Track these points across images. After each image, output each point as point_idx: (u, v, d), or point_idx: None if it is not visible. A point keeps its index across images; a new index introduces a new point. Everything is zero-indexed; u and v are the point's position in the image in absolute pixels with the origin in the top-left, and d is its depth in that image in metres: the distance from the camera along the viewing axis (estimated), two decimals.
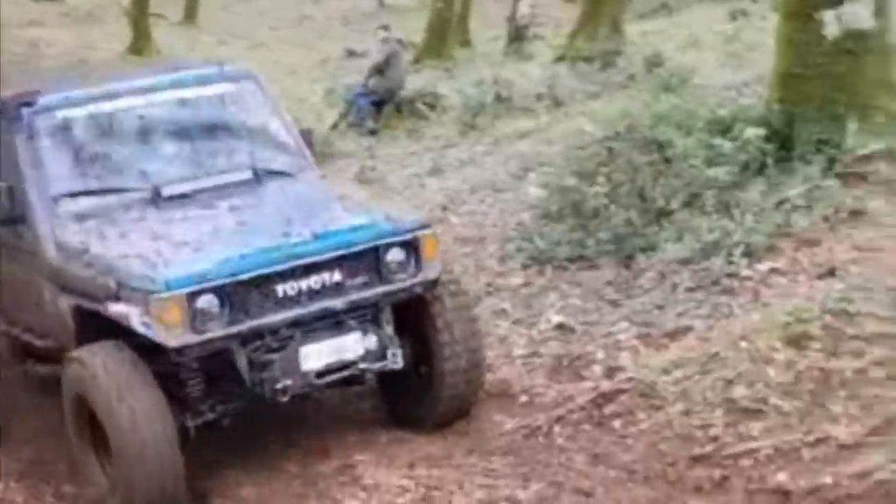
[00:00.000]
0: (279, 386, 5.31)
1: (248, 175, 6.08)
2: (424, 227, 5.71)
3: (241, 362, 5.34)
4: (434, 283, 5.70)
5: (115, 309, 5.29)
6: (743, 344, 5.58)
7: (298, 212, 5.73)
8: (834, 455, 4.79)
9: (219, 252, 5.32)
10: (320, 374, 5.43)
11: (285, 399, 5.34)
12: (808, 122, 7.01)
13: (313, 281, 5.41)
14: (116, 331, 5.34)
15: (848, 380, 5.14)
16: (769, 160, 7.03)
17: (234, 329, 5.25)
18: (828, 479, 4.67)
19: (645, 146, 7.51)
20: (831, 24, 6.95)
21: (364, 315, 5.59)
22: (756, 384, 5.30)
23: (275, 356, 5.35)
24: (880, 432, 4.78)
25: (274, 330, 5.36)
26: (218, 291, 5.19)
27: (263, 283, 5.29)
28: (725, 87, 9.48)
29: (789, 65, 7.23)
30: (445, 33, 18.98)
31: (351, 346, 5.50)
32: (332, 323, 5.50)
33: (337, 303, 5.46)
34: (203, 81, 6.36)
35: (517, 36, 17.76)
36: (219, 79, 6.40)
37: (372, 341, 5.54)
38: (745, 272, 6.37)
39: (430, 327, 5.76)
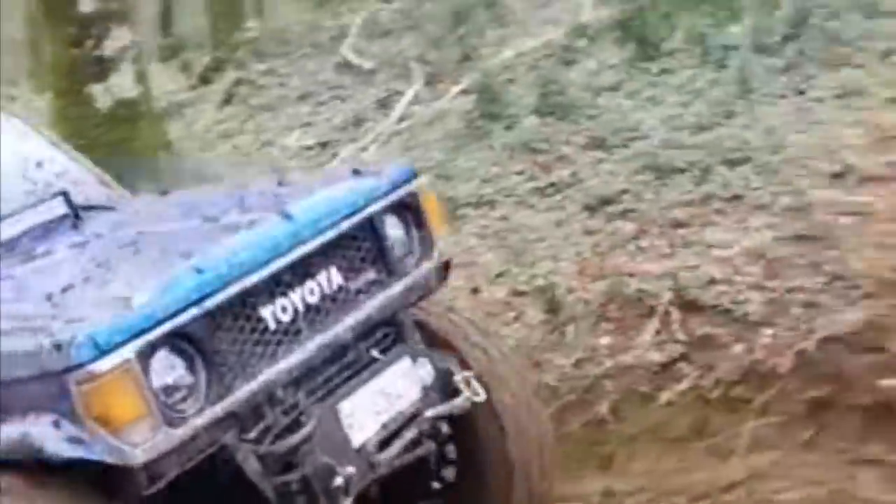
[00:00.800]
0: (338, 481, 3.11)
1: (62, 208, 3.91)
2: (415, 176, 3.70)
3: (250, 464, 3.10)
4: (448, 270, 3.72)
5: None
6: None
7: (212, 209, 3.55)
8: None
9: (145, 282, 3.05)
10: (383, 446, 3.32)
11: (348, 502, 3.16)
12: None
13: (308, 292, 3.28)
14: None
15: None
16: None
17: (225, 406, 3.02)
18: None
19: None
20: (102, 96, 7.36)
21: (386, 337, 3.55)
22: None
23: (304, 434, 3.14)
24: None
25: (273, 395, 3.18)
26: (177, 340, 2.98)
27: (242, 309, 3.14)
28: None
29: (68, 138, 7.52)
30: None
31: (401, 385, 3.41)
32: (354, 360, 3.43)
33: (352, 322, 3.36)
34: None
35: None
36: None
37: (426, 370, 3.48)
38: None
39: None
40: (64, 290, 3.14)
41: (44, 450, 2.85)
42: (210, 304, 3.03)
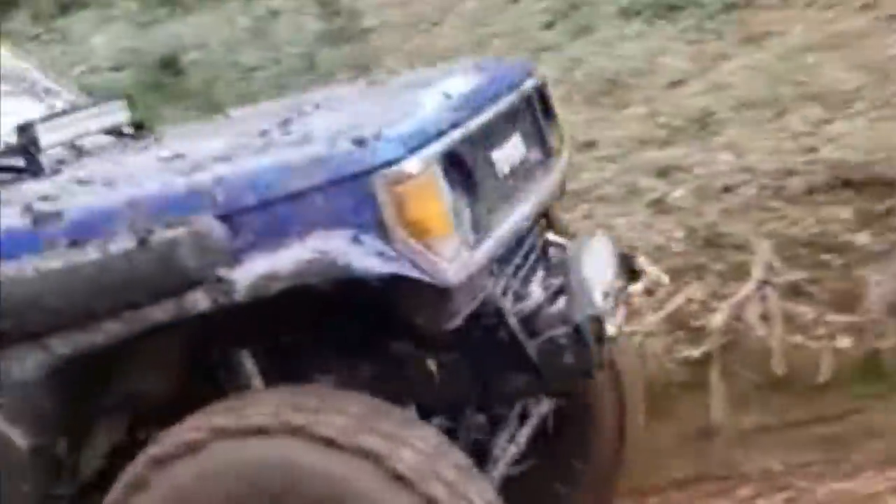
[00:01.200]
0: (610, 329, 2.74)
1: (125, 117, 3.25)
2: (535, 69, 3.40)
3: (512, 319, 2.71)
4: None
5: (256, 267, 2.33)
6: None
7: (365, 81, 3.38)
8: None
9: (389, 109, 2.70)
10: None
11: (605, 352, 2.79)
12: None
13: (512, 148, 2.95)
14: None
15: None
16: None
17: (488, 246, 2.60)
18: None
19: None
20: None
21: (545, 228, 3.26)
22: None
23: (557, 289, 2.83)
24: None
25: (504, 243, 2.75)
26: (448, 162, 2.52)
27: (481, 146, 2.76)
28: None
29: None
30: None
31: (604, 260, 3.03)
32: (533, 246, 3.09)
33: (536, 197, 3.00)
34: None
35: None
36: None
37: (611, 250, 3.13)
38: None
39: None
40: (282, 124, 2.63)
41: (351, 267, 2.32)
42: (468, 128, 2.67)
